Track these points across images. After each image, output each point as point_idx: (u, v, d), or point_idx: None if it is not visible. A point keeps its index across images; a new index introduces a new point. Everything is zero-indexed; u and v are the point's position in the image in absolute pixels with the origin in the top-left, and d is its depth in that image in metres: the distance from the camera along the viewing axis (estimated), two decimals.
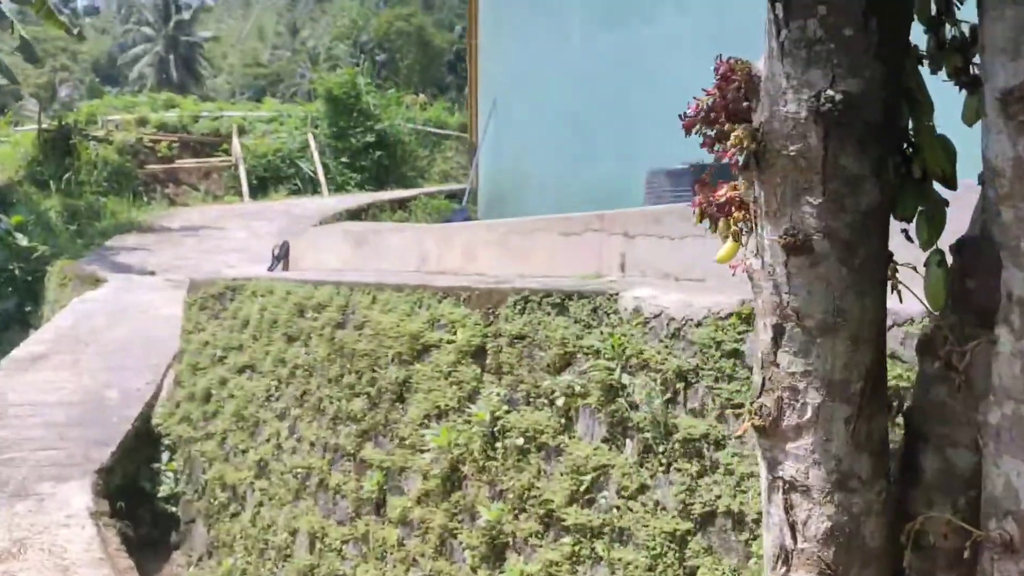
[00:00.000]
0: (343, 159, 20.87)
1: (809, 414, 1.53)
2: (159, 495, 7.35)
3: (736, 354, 2.82)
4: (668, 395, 3.00)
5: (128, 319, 9.87)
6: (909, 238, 1.59)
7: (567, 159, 6.90)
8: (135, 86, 50.08)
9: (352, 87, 20.94)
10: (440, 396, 4.22)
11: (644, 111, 5.99)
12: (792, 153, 1.42)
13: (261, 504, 5.90)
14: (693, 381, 2.94)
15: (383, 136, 21.18)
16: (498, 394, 3.82)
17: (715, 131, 1.39)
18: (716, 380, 2.86)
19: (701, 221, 1.62)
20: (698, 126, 1.46)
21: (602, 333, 3.32)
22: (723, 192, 1.48)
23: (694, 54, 5.83)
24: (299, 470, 5.46)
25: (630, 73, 6.15)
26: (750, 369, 2.79)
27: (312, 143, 20.85)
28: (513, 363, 3.79)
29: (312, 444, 5.40)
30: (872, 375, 1.54)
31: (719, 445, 2.81)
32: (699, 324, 2.95)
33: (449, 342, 4.21)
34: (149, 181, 19.99)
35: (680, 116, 1.45)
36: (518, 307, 3.81)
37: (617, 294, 3.34)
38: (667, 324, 3.06)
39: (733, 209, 1.53)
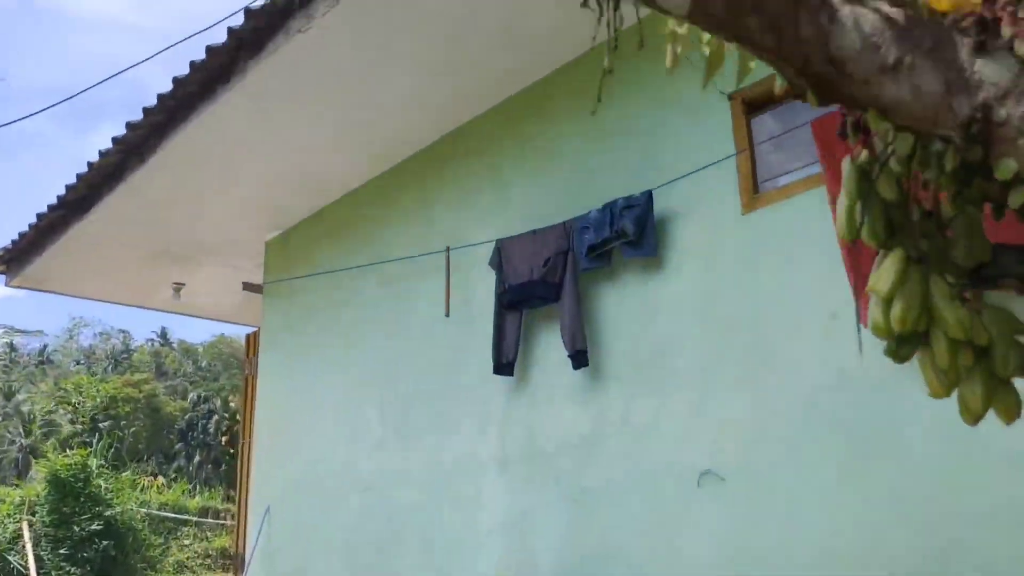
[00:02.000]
0: (62, 551, 18.44)
1: None
2: None
3: None
4: None
5: None
6: None
7: None
8: None
9: (82, 469, 19.14)
10: None
11: (451, 528, 5.62)
12: None
13: None
14: None
15: (112, 523, 19.14)
16: None
17: None
18: None
19: None
20: None
21: None
22: None
23: (497, 471, 5.69)
24: None
25: (431, 487, 5.82)
26: None
27: (26, 533, 18.38)
28: None
29: None
30: None
31: None
32: None
33: None
34: None
35: None
36: None
37: None
38: None
39: None
